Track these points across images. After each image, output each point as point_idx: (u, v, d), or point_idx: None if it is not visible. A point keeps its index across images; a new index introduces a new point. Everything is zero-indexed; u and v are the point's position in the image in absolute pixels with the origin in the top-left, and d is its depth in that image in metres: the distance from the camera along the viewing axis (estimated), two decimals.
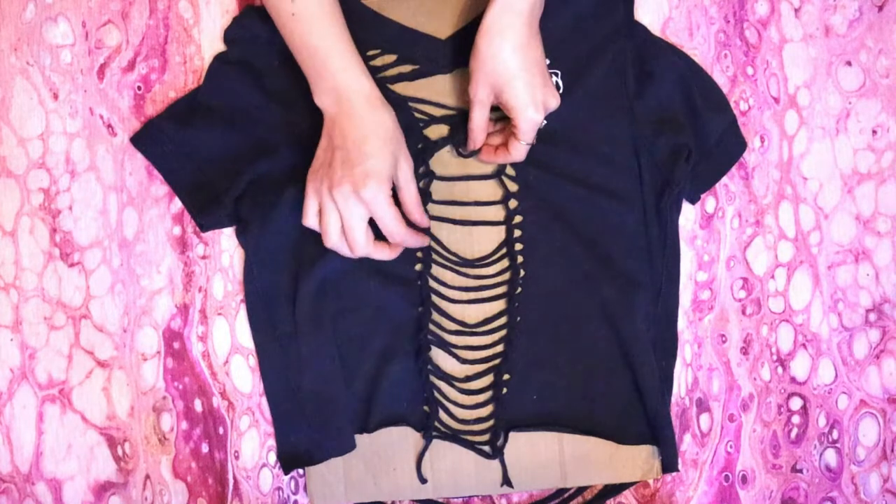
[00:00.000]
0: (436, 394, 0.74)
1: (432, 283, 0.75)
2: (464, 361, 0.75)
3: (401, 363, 0.74)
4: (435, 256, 0.75)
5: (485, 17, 0.68)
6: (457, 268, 0.75)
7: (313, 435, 0.74)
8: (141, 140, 0.77)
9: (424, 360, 0.74)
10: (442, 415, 0.74)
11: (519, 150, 0.72)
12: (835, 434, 0.78)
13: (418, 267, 0.75)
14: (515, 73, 0.68)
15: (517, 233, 0.75)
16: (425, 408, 0.74)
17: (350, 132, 0.68)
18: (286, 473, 0.75)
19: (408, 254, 0.74)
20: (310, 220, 0.69)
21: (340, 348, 0.74)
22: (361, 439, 0.74)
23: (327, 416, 0.73)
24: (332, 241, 0.69)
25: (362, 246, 0.69)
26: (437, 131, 0.76)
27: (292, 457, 0.75)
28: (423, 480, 0.74)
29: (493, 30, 0.67)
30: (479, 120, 0.71)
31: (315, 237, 0.70)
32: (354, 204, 0.67)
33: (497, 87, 0.69)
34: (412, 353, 0.74)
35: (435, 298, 0.74)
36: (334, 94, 0.69)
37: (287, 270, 0.74)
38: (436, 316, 0.74)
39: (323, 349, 0.74)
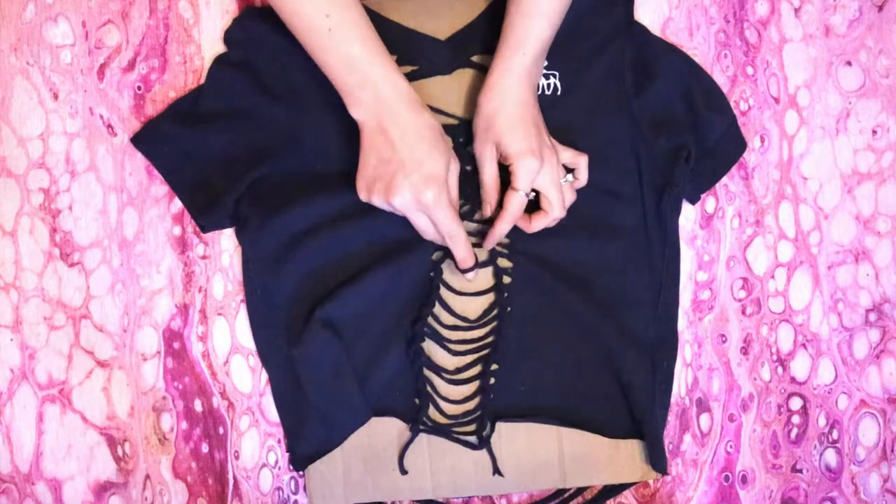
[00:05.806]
0: (427, 388, 0.74)
1: (442, 276, 0.75)
2: (455, 353, 0.74)
3: (396, 353, 0.74)
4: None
5: (487, 77, 0.71)
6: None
7: (325, 417, 0.73)
8: (141, 140, 0.77)
9: (416, 350, 0.74)
10: (431, 409, 0.74)
11: (515, 202, 0.71)
12: (835, 434, 0.78)
13: (435, 256, 0.75)
14: (514, 124, 0.70)
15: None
16: (416, 400, 0.74)
17: (399, 140, 0.68)
18: (302, 469, 0.75)
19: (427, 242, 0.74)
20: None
21: (345, 332, 0.74)
22: (360, 439, 0.74)
23: (337, 394, 0.73)
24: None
25: (437, 238, 0.71)
26: None
27: (309, 452, 0.74)
28: (404, 472, 0.73)
29: (495, 89, 0.70)
30: (490, 176, 0.72)
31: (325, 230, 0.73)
32: (418, 212, 0.69)
33: (497, 138, 0.70)
34: (406, 344, 0.74)
35: (442, 290, 0.74)
36: (376, 104, 0.68)
37: (287, 269, 0.74)
38: (437, 308, 0.74)
39: (331, 342, 0.73)
